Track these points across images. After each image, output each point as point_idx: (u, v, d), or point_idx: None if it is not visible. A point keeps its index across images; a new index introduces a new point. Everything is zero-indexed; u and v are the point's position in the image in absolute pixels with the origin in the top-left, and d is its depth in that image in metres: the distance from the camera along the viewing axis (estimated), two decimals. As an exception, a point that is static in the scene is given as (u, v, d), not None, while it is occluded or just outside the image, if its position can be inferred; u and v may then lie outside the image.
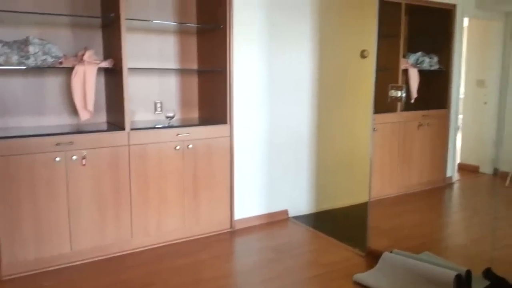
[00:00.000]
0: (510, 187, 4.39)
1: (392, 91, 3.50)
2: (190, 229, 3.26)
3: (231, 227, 3.40)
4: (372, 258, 2.88)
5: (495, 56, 4.78)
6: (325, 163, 3.89)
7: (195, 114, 3.63)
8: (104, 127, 3.15)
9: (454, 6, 4.24)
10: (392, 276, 2.61)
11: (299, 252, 3.03)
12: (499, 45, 4.76)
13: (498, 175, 4.79)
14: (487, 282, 2.48)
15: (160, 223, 3.16)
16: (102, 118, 3.37)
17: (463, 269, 2.46)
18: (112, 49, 3.16)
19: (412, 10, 4.37)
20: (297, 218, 3.69)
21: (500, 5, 4.34)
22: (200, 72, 3.57)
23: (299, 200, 3.79)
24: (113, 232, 3.01)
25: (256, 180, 3.57)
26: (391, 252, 2.81)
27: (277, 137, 3.62)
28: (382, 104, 4.08)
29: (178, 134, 3.11)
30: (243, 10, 3.31)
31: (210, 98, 3.50)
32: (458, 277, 2.39)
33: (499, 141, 4.86)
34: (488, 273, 2.53)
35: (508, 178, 4.51)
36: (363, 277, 2.63)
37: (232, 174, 3.33)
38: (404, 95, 3.58)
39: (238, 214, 3.47)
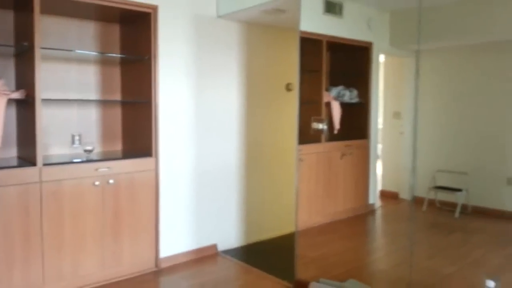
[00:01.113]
0: (427, 212, 4.70)
1: (314, 123, 3.63)
2: (110, 271, 3.04)
3: (156, 266, 3.23)
4: (300, 289, 2.88)
5: (409, 89, 5.20)
6: (254, 195, 3.89)
7: (118, 147, 3.47)
8: (14, 162, 2.88)
9: (370, 44, 4.56)
10: (318, 308, 2.62)
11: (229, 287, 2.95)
12: (411, 80, 5.19)
13: (415, 200, 5.12)
14: (405, 308, 2.58)
15: (76, 266, 2.91)
16: (12, 153, 3.09)
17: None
18: (25, 79, 2.94)
19: (333, 46, 4.63)
20: (227, 252, 3.62)
21: (410, 44, 4.75)
22: (124, 104, 3.44)
23: (228, 234, 3.72)
24: (20, 279, 2.71)
25: (184, 215, 3.46)
26: (318, 281, 2.84)
27: (205, 170, 3.57)
28: (308, 135, 4.22)
29: (97, 169, 2.94)
30: (169, 42, 3.28)
31: (134, 130, 3.37)
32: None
33: (415, 169, 5.22)
34: (407, 299, 2.63)
35: (425, 203, 4.83)
36: (290, 311, 2.61)
37: (157, 210, 3.20)
38: (325, 127, 3.74)
39: (164, 252, 3.32)
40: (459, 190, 4.54)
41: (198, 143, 3.51)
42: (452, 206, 4.55)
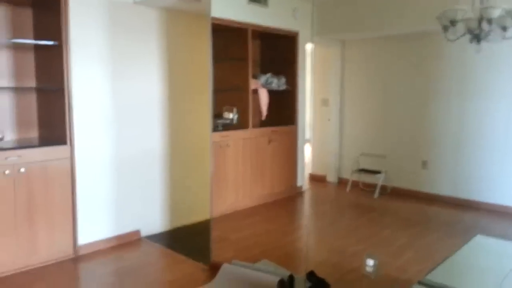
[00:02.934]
0: (350, 193, 4.99)
1: (226, 112, 3.73)
2: (25, 260, 3.01)
3: (74, 253, 3.23)
4: (216, 270, 3.00)
5: (335, 78, 5.42)
6: (179, 181, 3.94)
7: (34, 135, 3.40)
8: None
9: (296, 33, 4.70)
10: (227, 287, 2.76)
11: (145, 272, 3.02)
12: (338, 68, 5.42)
13: (341, 183, 5.40)
14: (309, 284, 2.77)
15: (-12, 256, 2.87)
16: None
17: (286, 274, 2.71)
18: None
19: (262, 35, 4.73)
20: (150, 237, 3.67)
21: (335, 33, 4.94)
22: (39, 91, 3.36)
23: (152, 219, 3.77)
24: None
25: (104, 202, 3.47)
26: (230, 263, 2.97)
27: (127, 157, 3.57)
28: (238, 121, 4.32)
29: (7, 158, 2.88)
30: (82, 28, 3.21)
31: (49, 118, 3.31)
32: (281, 282, 2.63)
33: (340, 153, 5.49)
34: (311, 276, 2.82)
35: (348, 185, 5.11)
36: (202, 290, 2.72)
37: (74, 197, 3.19)
38: (236, 116, 3.84)
39: (84, 239, 3.32)
40: (378, 172, 4.85)
41: (118, 130, 3.50)
42: (373, 187, 4.86)
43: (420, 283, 1.98)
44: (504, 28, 3.15)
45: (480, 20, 3.11)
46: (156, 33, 3.69)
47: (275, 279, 2.62)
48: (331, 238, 3.63)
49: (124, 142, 3.56)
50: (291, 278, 2.70)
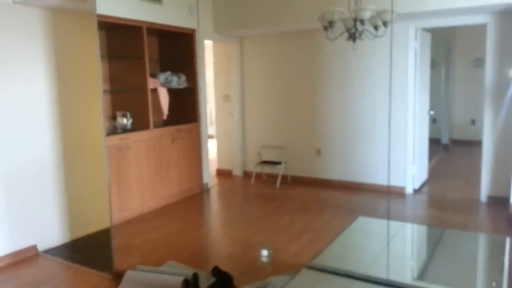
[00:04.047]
0: (255, 185, 5.20)
1: (119, 118, 3.64)
2: None
3: (-42, 279, 2.95)
4: (120, 279, 2.95)
5: (236, 73, 5.56)
6: (76, 189, 3.75)
7: None
8: None
9: (193, 30, 4.71)
10: (134, 293, 2.74)
11: (45, 289, 2.87)
12: (237, 64, 5.56)
13: (246, 175, 5.60)
14: (213, 280, 2.87)
15: None
16: None
17: (191, 273, 2.78)
18: None
19: (160, 33, 4.65)
20: (48, 251, 3.47)
21: (231, 30, 5.05)
22: None
23: (49, 232, 3.56)
24: None
25: (-7, 219, 3.20)
26: (134, 269, 2.94)
27: (14, 169, 3.30)
28: (137, 123, 4.23)
29: None
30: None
31: None
32: (185, 281, 2.69)
33: (245, 147, 5.68)
34: (215, 271, 2.92)
35: (252, 177, 5.32)
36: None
37: (-48, 218, 2.89)
38: (130, 121, 3.77)
39: (-31, 262, 3.04)
40: (279, 163, 5.12)
41: (1, 140, 3.24)
42: (275, 177, 5.12)
43: (308, 267, 2.18)
44: (376, 28, 3.52)
45: (354, 20, 3.44)
46: (40, 34, 3.45)
47: (180, 280, 2.68)
48: (236, 231, 3.78)
49: (9, 152, 3.30)
50: (195, 276, 2.77)
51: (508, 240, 2.50)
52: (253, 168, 5.41)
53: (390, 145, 4.65)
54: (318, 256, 2.34)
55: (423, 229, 3.35)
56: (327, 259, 2.29)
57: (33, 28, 3.40)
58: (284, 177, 5.25)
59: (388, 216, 3.60)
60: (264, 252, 2.63)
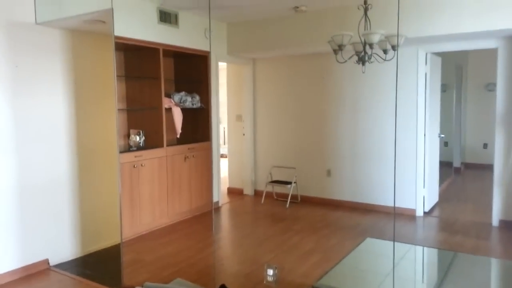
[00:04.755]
0: (265, 204, 5.23)
1: (132, 135, 3.75)
2: None
3: (-27, 289, 3.03)
4: (129, 294, 3.00)
5: (248, 94, 5.68)
6: (90, 204, 3.85)
7: None
8: None
9: (208, 52, 4.86)
10: (142, 309, 2.78)
11: (55, 303, 2.92)
12: (250, 85, 5.68)
13: (256, 195, 5.64)
14: (222, 296, 2.89)
15: None
16: None
17: (199, 290, 2.81)
18: None
19: (176, 54, 4.82)
20: (60, 265, 3.54)
21: (244, 52, 5.19)
22: None
23: (62, 247, 3.64)
24: None
25: (4, 233, 3.28)
26: (142, 286, 2.98)
27: (31, 182, 3.41)
28: (152, 140, 4.35)
29: None
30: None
31: None
32: (193, 298, 2.72)
33: (256, 166, 5.74)
34: (222, 288, 2.94)
35: (263, 197, 5.36)
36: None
37: (-30, 230, 2.99)
38: (142, 139, 3.87)
39: (-16, 273, 3.12)
40: (289, 183, 5.16)
41: (19, 154, 3.35)
42: (286, 197, 5.15)
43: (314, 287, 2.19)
44: (385, 51, 3.59)
45: (364, 44, 3.53)
46: (60, 54, 3.61)
47: (187, 296, 2.71)
48: (244, 250, 3.80)
49: (26, 166, 3.42)
50: (203, 293, 2.80)
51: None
52: (263, 187, 5.45)
53: (401, 168, 4.65)
54: (325, 277, 2.36)
55: (434, 252, 3.33)
56: (333, 280, 2.30)
57: (54, 47, 3.56)
58: (294, 197, 5.27)
59: (394, 237, 3.58)
60: (270, 271, 2.65)
